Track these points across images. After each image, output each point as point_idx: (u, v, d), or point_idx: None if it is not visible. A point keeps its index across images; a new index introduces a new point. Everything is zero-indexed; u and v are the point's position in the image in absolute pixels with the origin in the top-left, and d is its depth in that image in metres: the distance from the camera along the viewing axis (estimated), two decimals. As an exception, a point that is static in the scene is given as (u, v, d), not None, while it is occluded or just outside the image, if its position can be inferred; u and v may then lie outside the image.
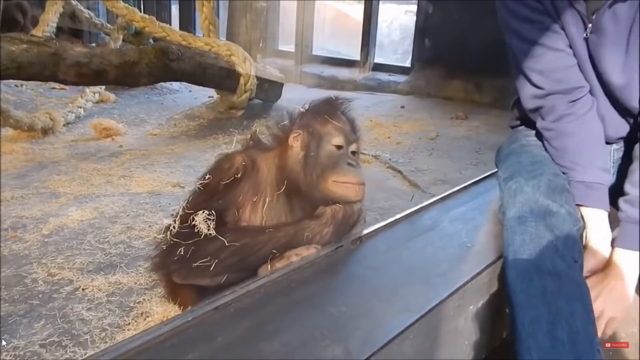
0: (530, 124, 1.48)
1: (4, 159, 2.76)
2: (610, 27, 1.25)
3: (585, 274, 1.21)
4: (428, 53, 4.60)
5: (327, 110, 1.34)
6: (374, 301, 1.07)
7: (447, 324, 1.13)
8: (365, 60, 4.98)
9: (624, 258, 1.23)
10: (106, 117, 3.66)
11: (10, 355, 1.27)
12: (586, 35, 1.28)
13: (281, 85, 3.91)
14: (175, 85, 4.63)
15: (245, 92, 3.43)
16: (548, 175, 1.28)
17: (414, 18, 4.70)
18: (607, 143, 1.39)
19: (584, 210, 1.28)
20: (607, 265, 1.24)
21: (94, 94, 3.86)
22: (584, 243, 1.26)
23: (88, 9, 4.62)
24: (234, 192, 1.28)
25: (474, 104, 4.24)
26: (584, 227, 1.27)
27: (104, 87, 3.92)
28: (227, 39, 3.85)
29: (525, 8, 1.30)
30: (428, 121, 3.78)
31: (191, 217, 1.22)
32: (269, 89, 3.77)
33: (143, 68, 3.00)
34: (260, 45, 4.52)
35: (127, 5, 3.84)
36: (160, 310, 1.40)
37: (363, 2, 4.95)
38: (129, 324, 1.40)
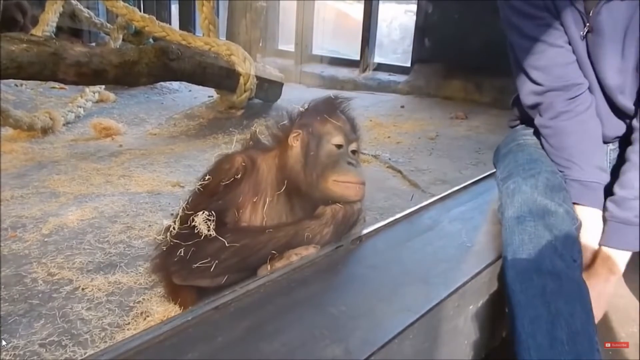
0: (530, 123, 1.48)
1: (3, 158, 2.76)
2: (607, 27, 1.25)
3: None
4: (428, 53, 4.60)
5: (327, 109, 1.33)
6: (374, 301, 1.07)
7: (446, 324, 1.13)
8: (365, 59, 4.98)
9: (608, 257, 1.24)
10: (106, 117, 3.66)
11: (10, 355, 1.27)
12: (584, 33, 1.29)
13: (281, 84, 3.91)
14: (175, 84, 4.63)
15: (245, 91, 3.43)
16: (545, 173, 1.28)
17: (414, 17, 4.70)
18: (605, 142, 1.39)
19: (579, 209, 1.28)
20: (591, 263, 1.25)
21: (94, 93, 3.86)
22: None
23: (88, 8, 4.61)
24: (234, 193, 1.28)
25: (473, 103, 4.24)
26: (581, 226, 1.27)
27: (103, 86, 3.92)
28: (226, 39, 3.86)
29: (527, 4, 1.31)
30: (428, 121, 3.78)
31: (191, 218, 1.22)
32: (268, 89, 3.77)
33: (143, 67, 3.00)
34: (260, 44, 4.52)
35: (126, 4, 3.84)
36: (160, 310, 1.40)
37: (363, 1, 4.95)
38: (129, 323, 1.40)
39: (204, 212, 1.21)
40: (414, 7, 4.76)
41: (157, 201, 2.25)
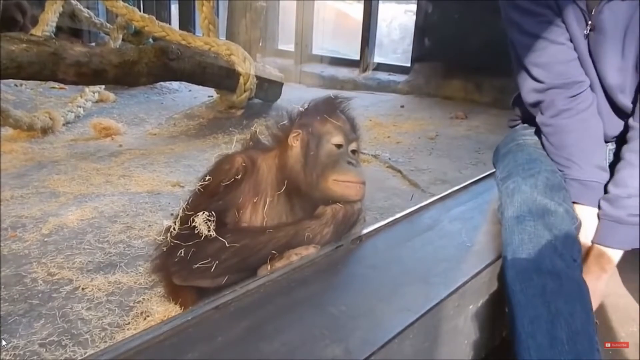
0: (532, 123, 1.48)
1: (3, 158, 2.76)
2: (609, 26, 1.25)
3: None
4: (428, 52, 4.60)
5: (327, 109, 1.33)
6: (374, 300, 1.07)
7: (446, 324, 1.13)
8: (365, 59, 4.98)
9: (601, 254, 1.24)
10: (106, 117, 3.66)
11: (10, 355, 1.27)
12: (586, 32, 1.29)
13: (281, 84, 3.91)
14: (175, 84, 4.63)
15: (244, 91, 3.44)
16: (545, 173, 1.28)
17: (414, 17, 4.69)
18: (605, 142, 1.38)
19: (578, 208, 1.28)
20: (584, 261, 1.26)
21: (94, 93, 3.86)
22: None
23: (87, 8, 4.61)
24: (234, 193, 1.28)
25: (473, 103, 4.24)
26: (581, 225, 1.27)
27: (103, 86, 3.92)
28: (226, 39, 3.85)
29: (528, 2, 1.30)
30: (428, 121, 3.78)
31: (191, 218, 1.22)
32: (268, 89, 3.77)
33: (143, 67, 3.00)
34: (260, 44, 4.52)
35: (126, 4, 3.84)
36: (160, 310, 1.40)
37: (363, 1, 4.95)
38: (129, 323, 1.40)
39: (204, 213, 1.21)
40: (413, 7, 4.76)
41: (157, 201, 2.25)
